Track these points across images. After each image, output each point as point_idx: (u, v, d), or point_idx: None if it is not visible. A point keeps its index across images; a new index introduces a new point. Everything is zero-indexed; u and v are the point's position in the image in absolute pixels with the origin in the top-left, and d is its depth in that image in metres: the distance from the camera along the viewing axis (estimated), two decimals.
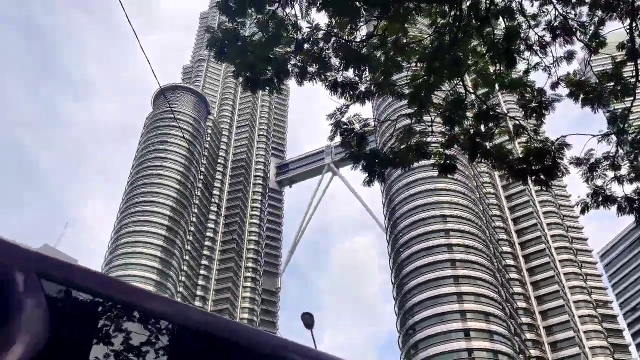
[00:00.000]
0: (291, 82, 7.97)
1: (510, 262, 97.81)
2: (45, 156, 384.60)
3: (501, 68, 8.24)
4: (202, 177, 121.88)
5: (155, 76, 9.73)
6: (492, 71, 8.36)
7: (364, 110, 8.55)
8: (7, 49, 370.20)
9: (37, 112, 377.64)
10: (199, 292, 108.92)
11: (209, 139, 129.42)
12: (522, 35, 7.92)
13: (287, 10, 7.14)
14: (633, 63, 7.96)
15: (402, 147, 8.32)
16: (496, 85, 8.46)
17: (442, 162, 8.43)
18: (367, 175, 8.06)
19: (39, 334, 1.37)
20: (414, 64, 7.93)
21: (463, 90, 8.17)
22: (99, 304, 1.88)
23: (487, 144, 8.55)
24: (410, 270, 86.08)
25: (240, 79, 7.59)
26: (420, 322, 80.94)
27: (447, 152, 8.44)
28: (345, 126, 8.10)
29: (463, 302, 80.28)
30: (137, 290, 1.98)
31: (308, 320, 10.79)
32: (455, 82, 8.12)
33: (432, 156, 8.41)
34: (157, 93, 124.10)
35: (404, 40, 7.70)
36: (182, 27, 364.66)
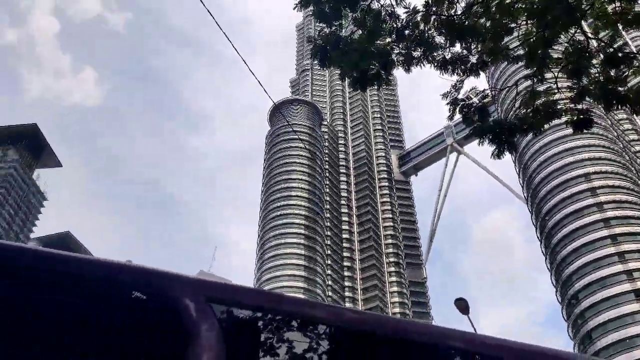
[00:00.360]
0: (398, 72, 7.89)
1: None
2: (181, 189, 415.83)
3: (621, 4, 7.50)
4: (327, 182, 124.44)
5: (268, 94, 10.12)
6: (611, 10, 7.63)
7: (479, 83, 8.20)
8: (130, 94, 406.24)
9: (166, 150, 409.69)
10: (347, 294, 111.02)
11: (327, 144, 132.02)
12: None
13: (381, 1, 7.08)
14: None
15: (527, 111, 7.87)
16: (619, 25, 7.71)
17: (575, 118, 7.83)
18: (495, 147, 7.72)
19: (217, 357, 1.48)
20: (523, 23, 7.47)
21: (583, 38, 7.55)
22: (260, 319, 2.00)
23: (621, 88, 7.80)
24: (561, 237, 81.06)
25: (348, 80, 7.64)
26: (582, 290, 75.86)
27: (579, 106, 7.82)
28: (463, 102, 7.82)
29: (626, 262, 73.94)
30: (293, 300, 2.08)
31: (462, 305, 10.55)
32: (573, 31, 7.52)
33: (563, 114, 7.84)
34: (271, 110, 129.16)
35: (508, 1, 7.29)
36: (280, 43, 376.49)
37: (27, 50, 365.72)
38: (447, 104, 7.86)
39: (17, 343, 1.48)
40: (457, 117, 8.08)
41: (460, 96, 7.84)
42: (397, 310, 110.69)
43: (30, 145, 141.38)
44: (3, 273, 1.55)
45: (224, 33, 8.21)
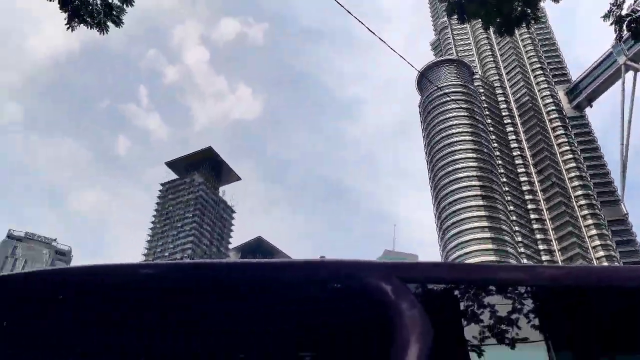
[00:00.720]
0: (545, 3, 7.28)
1: None
2: (348, 176, 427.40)
3: None
4: (494, 137, 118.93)
5: (410, 64, 10.00)
6: None
7: None
8: (284, 99, 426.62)
9: (326, 142, 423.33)
10: (541, 247, 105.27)
11: (483, 97, 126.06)
12: None
13: None
14: None
15: None
16: None
17: None
18: None
19: (424, 333, 1.55)
20: None
21: None
22: (454, 289, 2.03)
23: None
24: None
25: (492, 29, 7.25)
26: None
27: None
28: (630, 17, 6.96)
29: None
30: (484, 267, 2.06)
31: None
32: None
33: None
34: (418, 78, 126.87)
35: None
36: (412, 7, 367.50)
37: (188, 83, 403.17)
38: (611, 24, 7.06)
39: (245, 346, 1.70)
40: (626, 34, 7.21)
41: (624, 12, 6.99)
42: (600, 254, 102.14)
43: (210, 166, 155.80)
44: (222, 288, 1.77)
45: (356, 17, 8.30)
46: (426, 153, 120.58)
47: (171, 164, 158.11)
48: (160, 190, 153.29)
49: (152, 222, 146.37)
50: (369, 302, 1.73)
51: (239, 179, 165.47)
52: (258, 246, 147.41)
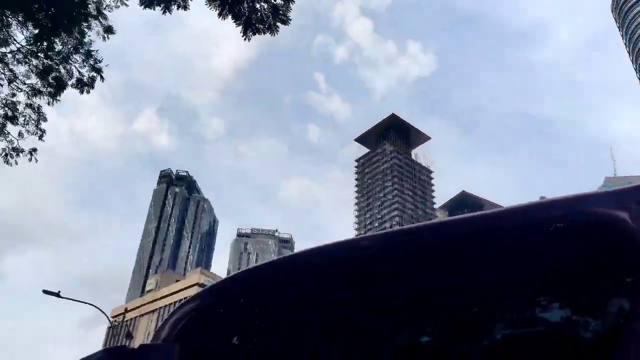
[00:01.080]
0: None
1: None
2: (546, 107, 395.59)
3: None
4: None
5: None
6: None
7: None
8: (457, 44, 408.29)
9: (514, 77, 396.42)
10: None
11: None
12: None
13: None
14: None
15: None
16: None
17: None
18: None
19: None
20: None
21: None
22: None
23: None
24: None
25: None
26: None
27: None
28: None
29: None
30: None
31: None
32: None
33: None
34: None
35: None
36: None
37: (359, 56, 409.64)
38: None
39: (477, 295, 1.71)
40: None
41: None
42: None
43: (397, 133, 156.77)
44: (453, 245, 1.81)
45: None
46: (632, 60, 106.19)
47: (360, 139, 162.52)
48: (356, 167, 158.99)
49: (356, 198, 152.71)
50: (604, 234, 1.60)
51: (428, 138, 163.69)
52: (463, 201, 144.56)
